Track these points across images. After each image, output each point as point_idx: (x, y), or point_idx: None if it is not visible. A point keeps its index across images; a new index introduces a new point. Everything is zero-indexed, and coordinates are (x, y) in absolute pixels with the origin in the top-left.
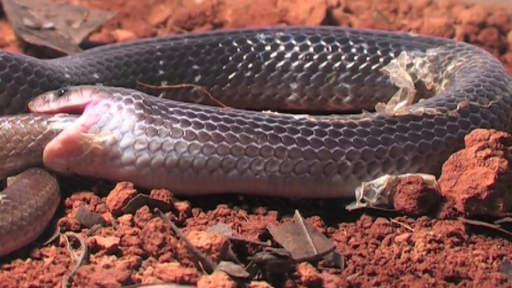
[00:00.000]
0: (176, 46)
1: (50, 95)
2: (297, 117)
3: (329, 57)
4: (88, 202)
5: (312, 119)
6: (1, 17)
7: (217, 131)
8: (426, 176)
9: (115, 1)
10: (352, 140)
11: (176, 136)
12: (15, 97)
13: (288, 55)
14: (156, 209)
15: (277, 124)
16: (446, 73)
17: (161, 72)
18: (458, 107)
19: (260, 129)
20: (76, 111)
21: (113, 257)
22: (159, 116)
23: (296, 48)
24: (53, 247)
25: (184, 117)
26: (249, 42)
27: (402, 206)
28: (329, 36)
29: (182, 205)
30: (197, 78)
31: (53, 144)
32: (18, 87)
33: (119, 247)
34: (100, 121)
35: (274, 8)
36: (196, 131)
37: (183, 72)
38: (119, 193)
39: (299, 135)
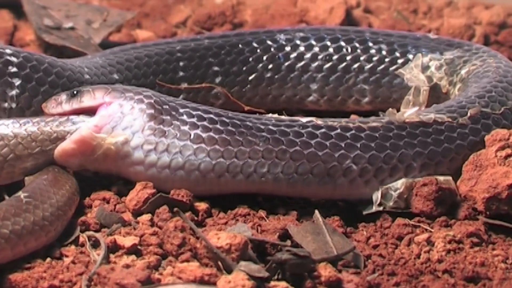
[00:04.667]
0: (196, 47)
1: (63, 97)
2: (304, 119)
3: (348, 57)
4: (108, 202)
5: (319, 122)
6: (21, 17)
7: (223, 135)
8: (442, 177)
9: (135, 1)
10: (359, 145)
11: (182, 138)
12: (36, 99)
13: (308, 55)
14: (175, 209)
15: (282, 128)
16: (460, 77)
17: (181, 73)
18: (468, 114)
19: (264, 134)
20: (89, 112)
21: (133, 257)
22: (168, 117)
23: (316, 49)
24: (72, 246)
25: (193, 119)
26: (269, 42)
27: (421, 208)
28: (348, 37)
29: (202, 205)
30: (217, 80)
31: (67, 144)
32: (39, 88)
33: (139, 247)
34: (113, 121)
35: (294, 8)
36: (204, 135)
37: (204, 73)
38: (139, 193)
39: (318, 139)
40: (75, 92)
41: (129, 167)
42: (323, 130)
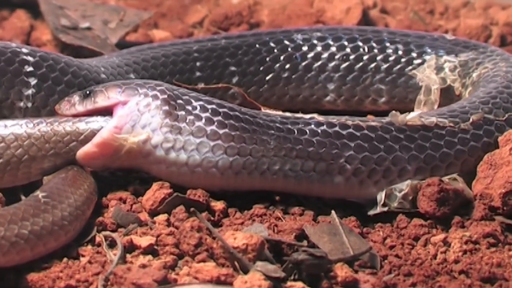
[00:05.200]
0: (213, 47)
1: (76, 98)
2: (307, 116)
3: (365, 57)
4: (125, 202)
5: (321, 118)
6: (38, 17)
7: (238, 132)
8: (448, 177)
9: (151, 1)
10: (353, 145)
11: (198, 135)
12: (52, 98)
13: (325, 55)
14: (192, 209)
15: (288, 126)
16: (472, 80)
17: (198, 73)
18: (471, 120)
19: (274, 131)
20: (103, 111)
21: (149, 256)
22: (183, 112)
23: (333, 49)
24: (89, 246)
25: (207, 114)
26: (287, 42)
27: (426, 209)
28: (366, 37)
29: (218, 205)
30: (234, 80)
31: (88, 148)
32: (55, 87)
33: (155, 247)
34: (131, 120)
35: (310, 8)
36: (220, 131)
37: (221, 73)
38: (155, 193)
39: (318, 137)
40: (87, 93)
41: (152, 164)
42: (323, 127)
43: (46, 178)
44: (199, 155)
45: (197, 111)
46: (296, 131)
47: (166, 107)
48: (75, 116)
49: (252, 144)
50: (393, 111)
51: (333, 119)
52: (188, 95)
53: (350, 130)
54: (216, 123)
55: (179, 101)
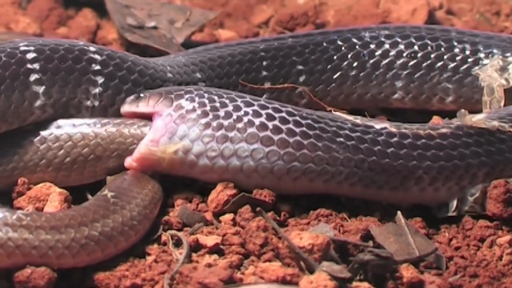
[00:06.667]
0: (280, 46)
1: (131, 97)
2: (378, 126)
3: (432, 55)
4: (190, 201)
5: (393, 129)
6: (104, 16)
7: (297, 138)
8: None
9: (217, 1)
10: (429, 154)
11: (251, 141)
12: (119, 97)
13: (393, 52)
14: (258, 208)
15: (359, 134)
16: None
17: (264, 73)
18: None
19: (342, 139)
20: (146, 117)
21: (215, 256)
22: (231, 121)
23: (401, 46)
24: (155, 245)
25: (261, 119)
26: (354, 40)
27: (493, 211)
28: (434, 35)
29: (284, 205)
30: (301, 79)
31: (129, 163)
32: (122, 86)
33: (221, 246)
34: (168, 132)
35: (376, 9)
36: (275, 137)
37: (287, 72)
38: (219, 194)
39: (392, 148)
40: (139, 95)
41: (201, 174)
42: (396, 138)
43: (109, 177)
44: (254, 161)
45: (248, 118)
46: (368, 141)
47: (206, 119)
48: (125, 116)
49: (315, 151)
50: (462, 110)
51: (405, 129)
52: (239, 100)
53: (424, 140)
54: (270, 129)
55: (225, 110)
